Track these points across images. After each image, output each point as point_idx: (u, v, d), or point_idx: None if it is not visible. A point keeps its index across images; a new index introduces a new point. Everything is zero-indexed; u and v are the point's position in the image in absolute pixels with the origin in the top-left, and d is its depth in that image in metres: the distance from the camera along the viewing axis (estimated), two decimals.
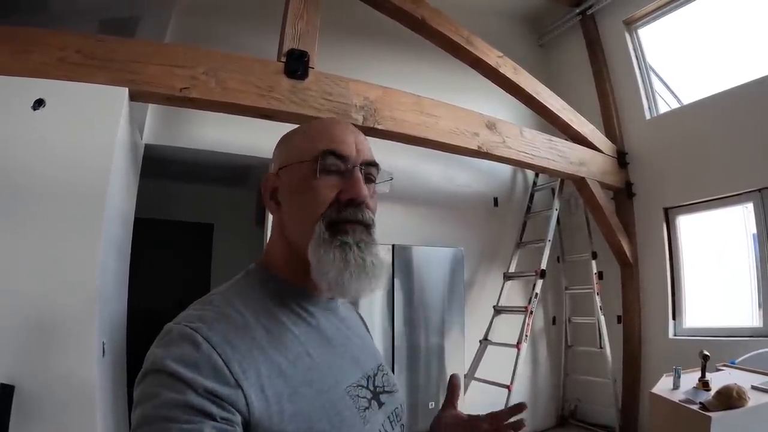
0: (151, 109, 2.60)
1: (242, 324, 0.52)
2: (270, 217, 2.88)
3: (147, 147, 2.62)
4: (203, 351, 0.46)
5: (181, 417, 0.43)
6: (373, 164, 0.62)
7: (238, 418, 0.45)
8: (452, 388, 0.68)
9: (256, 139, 2.79)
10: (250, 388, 0.47)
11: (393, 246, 2.72)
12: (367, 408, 0.58)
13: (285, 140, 0.66)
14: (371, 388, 0.61)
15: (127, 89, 1.88)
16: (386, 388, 0.64)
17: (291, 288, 0.60)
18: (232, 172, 3.78)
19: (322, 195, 0.57)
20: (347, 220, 0.57)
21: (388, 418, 0.61)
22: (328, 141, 0.59)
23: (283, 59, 2.14)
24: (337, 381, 0.56)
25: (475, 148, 2.71)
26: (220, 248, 4.36)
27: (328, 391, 0.54)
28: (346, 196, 0.57)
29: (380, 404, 0.61)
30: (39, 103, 1.76)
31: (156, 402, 0.44)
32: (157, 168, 2.90)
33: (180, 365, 0.45)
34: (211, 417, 0.43)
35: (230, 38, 2.76)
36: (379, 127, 2.33)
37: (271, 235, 0.65)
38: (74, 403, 1.62)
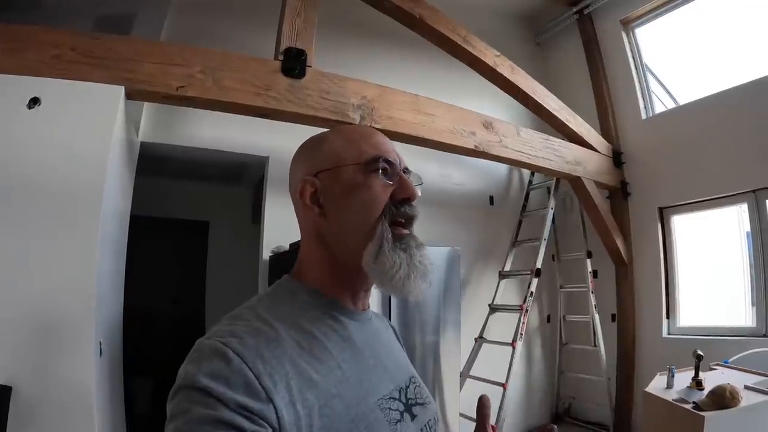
0: (147, 107, 2.59)
1: (273, 337, 0.52)
2: (266, 217, 2.89)
3: (142, 145, 2.61)
4: (234, 365, 0.46)
5: None
6: (408, 170, 0.65)
7: None
8: (481, 409, 0.66)
9: (252, 137, 2.80)
10: (281, 401, 0.47)
11: None
12: (399, 421, 0.57)
13: (315, 145, 0.65)
14: (403, 400, 0.60)
15: (123, 88, 1.86)
16: (419, 400, 0.63)
17: (323, 299, 0.60)
18: (228, 170, 3.77)
19: (380, 196, 0.60)
20: (407, 216, 0.61)
21: (421, 430, 0.61)
22: (375, 147, 0.62)
23: (281, 58, 2.12)
24: (368, 394, 0.56)
25: (472, 147, 2.71)
26: (215, 246, 4.36)
27: (359, 404, 0.53)
28: (402, 195, 0.61)
29: (413, 416, 0.60)
30: (34, 102, 1.73)
31: (188, 417, 0.44)
32: (153, 166, 2.89)
33: (211, 380, 0.45)
34: (242, 431, 0.44)
35: (227, 36, 2.75)
36: (376, 126, 2.32)
37: (303, 246, 0.64)
38: (72, 403, 1.61)
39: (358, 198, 0.59)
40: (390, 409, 0.57)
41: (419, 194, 0.63)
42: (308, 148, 0.65)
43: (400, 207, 0.61)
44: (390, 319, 2.66)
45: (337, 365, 0.55)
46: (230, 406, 0.44)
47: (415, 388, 0.65)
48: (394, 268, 0.57)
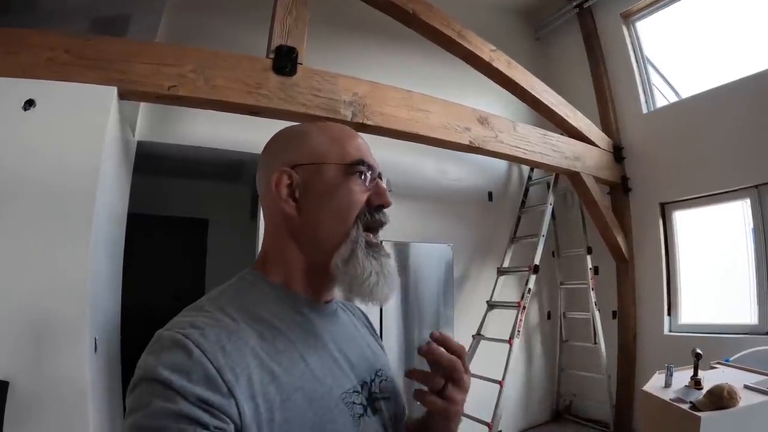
0: (143, 106, 2.61)
1: (235, 329, 0.51)
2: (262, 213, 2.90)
3: (140, 144, 2.63)
4: (195, 358, 0.46)
5: (173, 426, 0.42)
6: (381, 176, 0.65)
7: (230, 427, 0.45)
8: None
9: (249, 134, 2.78)
10: (242, 395, 0.46)
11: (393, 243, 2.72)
12: (362, 415, 0.57)
13: (294, 136, 0.63)
14: (366, 394, 0.60)
15: (115, 88, 1.88)
16: (383, 394, 0.63)
17: (286, 292, 0.59)
18: (225, 168, 3.78)
19: (359, 199, 0.59)
20: (381, 223, 0.61)
21: (383, 425, 0.60)
22: (357, 150, 0.62)
23: (272, 56, 2.13)
24: (332, 388, 0.55)
25: (467, 143, 2.70)
26: (214, 243, 4.40)
27: (322, 397, 0.53)
28: (378, 201, 0.61)
29: (375, 411, 0.60)
30: (29, 104, 1.76)
31: (148, 411, 0.43)
32: (151, 164, 2.91)
33: (172, 373, 0.44)
34: (203, 426, 0.43)
35: (221, 34, 2.76)
36: (369, 123, 2.32)
37: (269, 238, 0.63)
38: (67, 398, 1.64)
39: (337, 199, 0.59)
40: (354, 403, 0.56)
41: (391, 200, 0.63)
42: (285, 139, 0.64)
43: (375, 213, 0.61)
44: (382, 316, 2.66)
45: (301, 358, 0.54)
46: (190, 400, 0.43)
47: (380, 382, 0.64)
48: (365, 274, 0.57)
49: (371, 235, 0.61)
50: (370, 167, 0.61)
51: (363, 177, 0.60)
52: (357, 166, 0.60)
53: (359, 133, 0.66)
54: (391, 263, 0.61)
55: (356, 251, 0.57)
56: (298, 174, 0.60)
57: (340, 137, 0.62)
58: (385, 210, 0.63)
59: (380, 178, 0.63)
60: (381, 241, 0.62)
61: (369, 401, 0.60)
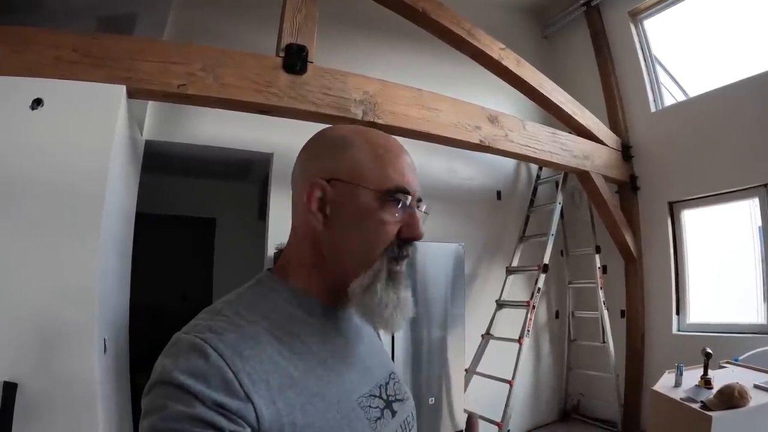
0: (151, 105, 2.60)
1: (253, 334, 0.51)
2: (271, 212, 2.89)
3: (148, 143, 2.62)
4: (212, 363, 0.46)
5: (190, 429, 0.43)
6: (421, 200, 0.62)
7: (247, 431, 0.45)
8: (470, 426, 0.68)
9: (257, 133, 2.79)
10: (260, 400, 0.46)
11: None
12: (379, 418, 0.57)
13: (337, 145, 0.59)
14: (384, 397, 0.61)
15: (124, 87, 1.87)
16: (398, 396, 0.64)
17: (304, 298, 0.59)
18: (234, 167, 3.78)
19: (390, 231, 0.57)
20: (405, 257, 0.58)
21: (401, 426, 0.61)
22: (401, 174, 0.58)
23: (282, 54, 2.12)
24: (349, 392, 0.56)
25: (477, 142, 2.68)
26: (222, 242, 4.39)
27: (339, 402, 0.53)
28: (408, 234, 0.58)
29: (393, 413, 0.60)
30: (37, 103, 1.75)
31: (164, 414, 0.43)
32: (159, 163, 2.90)
33: (189, 377, 0.44)
34: (219, 430, 0.43)
35: (229, 33, 2.74)
36: (379, 121, 2.31)
37: (293, 243, 0.62)
38: (76, 399, 1.63)
39: (367, 226, 0.57)
40: (370, 407, 0.57)
41: (423, 233, 0.60)
42: (325, 144, 0.61)
43: (404, 246, 0.58)
44: None
45: (318, 363, 0.54)
46: (207, 404, 0.43)
47: (394, 384, 0.65)
48: (381, 305, 0.56)
49: (396, 265, 0.58)
50: (407, 194, 0.58)
51: (399, 205, 0.57)
52: (394, 194, 0.56)
53: (405, 149, 0.61)
54: (408, 295, 0.59)
55: (375, 284, 0.56)
56: (332, 188, 0.57)
57: (383, 156, 0.58)
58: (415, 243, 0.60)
59: (419, 205, 0.60)
60: (402, 271, 0.60)
61: (387, 404, 0.60)
